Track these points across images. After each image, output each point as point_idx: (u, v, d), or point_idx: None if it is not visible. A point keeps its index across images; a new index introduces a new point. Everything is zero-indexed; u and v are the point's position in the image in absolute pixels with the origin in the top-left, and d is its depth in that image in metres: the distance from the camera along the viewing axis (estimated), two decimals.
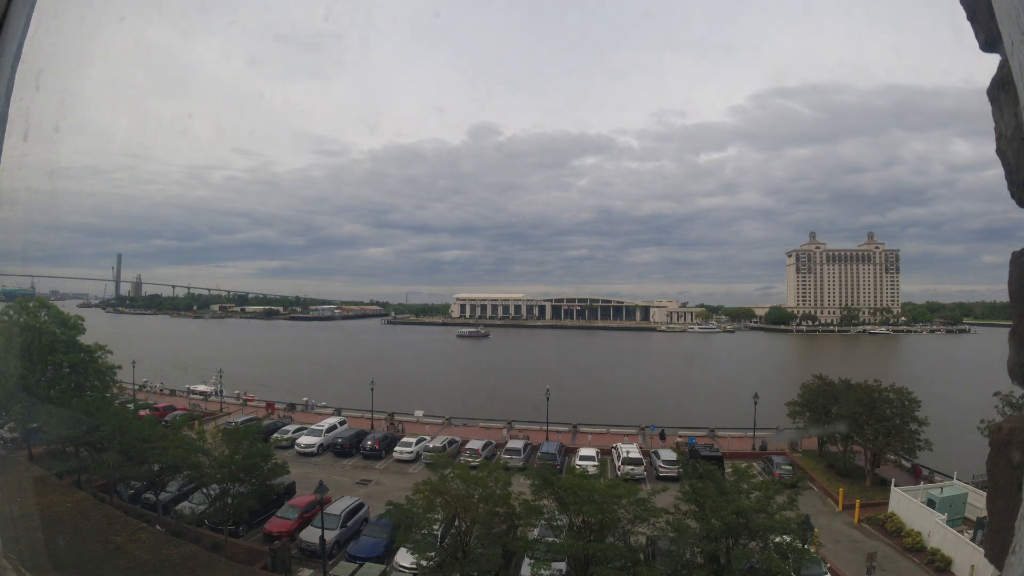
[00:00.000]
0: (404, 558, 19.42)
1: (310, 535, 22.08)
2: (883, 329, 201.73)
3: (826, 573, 19.32)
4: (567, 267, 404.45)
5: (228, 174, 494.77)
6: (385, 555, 21.24)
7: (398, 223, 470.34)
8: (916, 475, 31.23)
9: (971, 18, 1.19)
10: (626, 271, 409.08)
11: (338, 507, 24.10)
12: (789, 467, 32.40)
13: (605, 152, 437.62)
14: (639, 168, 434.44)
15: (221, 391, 50.63)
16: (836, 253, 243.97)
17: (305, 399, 50.01)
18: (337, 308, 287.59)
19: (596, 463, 26.96)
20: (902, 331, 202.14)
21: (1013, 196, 1.11)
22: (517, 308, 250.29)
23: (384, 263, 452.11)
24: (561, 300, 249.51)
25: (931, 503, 24.26)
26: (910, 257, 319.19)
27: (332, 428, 38.87)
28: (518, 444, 35.35)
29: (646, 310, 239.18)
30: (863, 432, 29.85)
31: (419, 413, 46.47)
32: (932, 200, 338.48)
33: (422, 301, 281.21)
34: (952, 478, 27.27)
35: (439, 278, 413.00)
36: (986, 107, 1.16)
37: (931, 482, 28.27)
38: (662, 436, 39.97)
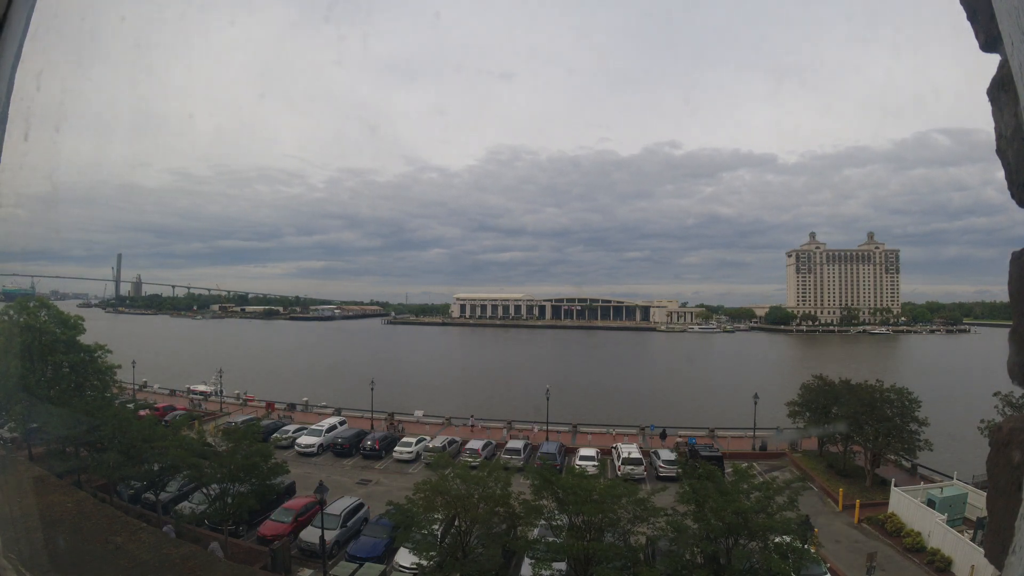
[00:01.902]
0: (404, 558, 19.40)
1: (310, 535, 22.07)
2: (883, 329, 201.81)
3: (826, 573, 19.30)
4: (613, 268, 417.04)
5: (370, 179, 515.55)
6: (385, 555, 21.22)
7: (495, 226, 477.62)
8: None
9: (971, 18, 1.19)
10: (661, 272, 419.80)
11: (338, 507, 24.07)
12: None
13: (761, 166, 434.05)
14: (772, 180, 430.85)
15: (221, 391, 50.62)
16: (836, 253, 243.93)
17: (305, 399, 50.01)
18: (337, 308, 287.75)
19: (596, 463, 26.96)
20: (902, 331, 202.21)
21: (1013, 196, 1.12)
22: (517, 308, 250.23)
23: (430, 263, 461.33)
24: (561, 300, 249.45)
25: (931, 503, 24.24)
26: (947, 260, 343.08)
27: (332, 428, 38.84)
28: (518, 444, 35.35)
29: (646, 310, 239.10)
30: (863, 432, 29.83)
31: (419, 413, 46.47)
32: (999, 211, 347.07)
33: (442, 301, 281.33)
34: (952, 478, 27.26)
35: (475, 278, 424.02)
36: None
37: (930, 482, 28.26)
38: (662, 436, 39.95)
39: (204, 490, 21.84)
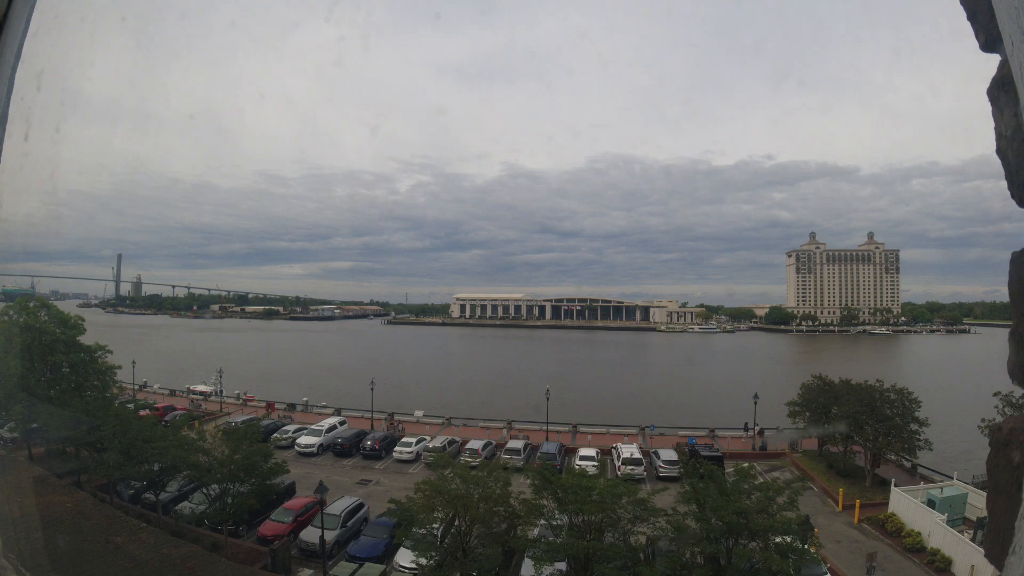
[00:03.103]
0: (404, 558, 19.41)
1: (310, 535, 22.07)
2: (883, 329, 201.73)
3: (826, 573, 19.30)
4: (641, 269, 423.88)
5: (459, 183, 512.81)
6: (385, 555, 21.22)
7: (555, 228, 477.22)
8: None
9: (971, 18, 1.19)
10: (690, 272, 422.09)
11: (338, 507, 24.06)
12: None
13: (842, 176, 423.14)
14: (843, 188, 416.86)
15: (221, 391, 50.63)
16: (836, 253, 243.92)
17: (305, 399, 50.01)
18: (337, 308, 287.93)
19: (596, 463, 26.92)
20: (902, 331, 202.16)
21: (1013, 196, 1.12)
22: (517, 308, 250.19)
23: (462, 263, 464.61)
24: (561, 300, 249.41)
25: (931, 503, 24.24)
26: (967, 262, 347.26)
27: (332, 428, 38.83)
28: (518, 444, 35.33)
29: (646, 310, 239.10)
30: (863, 432, 29.83)
31: (419, 413, 46.47)
32: None
33: (442, 301, 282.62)
34: (952, 478, 27.26)
35: (501, 277, 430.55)
36: None
37: (930, 482, 28.26)
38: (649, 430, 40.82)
39: (204, 490, 21.86)
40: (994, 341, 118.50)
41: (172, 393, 54.47)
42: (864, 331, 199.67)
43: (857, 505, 26.63)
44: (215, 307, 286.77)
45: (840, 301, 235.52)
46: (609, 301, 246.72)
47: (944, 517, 22.83)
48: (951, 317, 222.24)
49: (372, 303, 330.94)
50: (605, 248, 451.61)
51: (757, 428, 40.15)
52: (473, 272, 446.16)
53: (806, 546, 16.24)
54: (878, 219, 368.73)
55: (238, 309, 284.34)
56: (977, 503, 24.17)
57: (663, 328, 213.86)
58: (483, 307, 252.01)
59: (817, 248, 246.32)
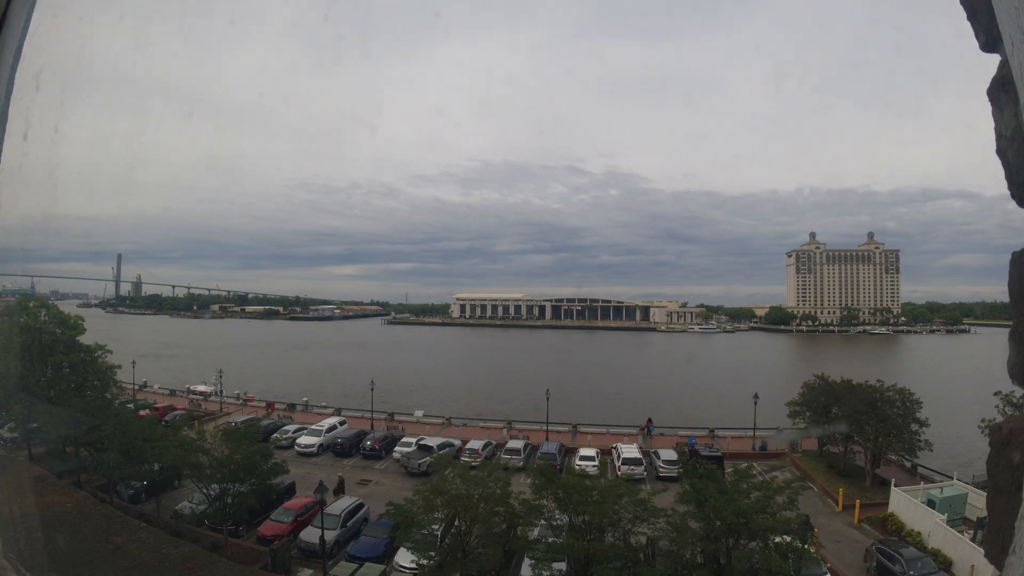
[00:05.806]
0: (404, 558, 19.40)
1: (310, 535, 22.07)
2: (883, 329, 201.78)
3: (826, 573, 19.30)
4: (704, 269, 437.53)
5: (642, 197, 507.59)
6: (385, 555, 21.22)
7: (677, 234, 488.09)
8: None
9: (971, 18, 1.19)
10: (736, 274, 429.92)
11: (338, 507, 24.09)
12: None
13: (967, 198, 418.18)
14: (955, 205, 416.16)
15: (221, 391, 50.63)
16: (836, 253, 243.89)
17: (305, 399, 50.02)
18: (337, 308, 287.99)
19: (596, 463, 26.94)
20: (902, 331, 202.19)
21: (1013, 196, 1.12)
22: (517, 308, 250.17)
23: (533, 264, 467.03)
24: (561, 300, 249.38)
25: (931, 503, 24.24)
26: (1001, 265, 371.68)
27: (332, 428, 38.82)
28: (518, 444, 35.32)
29: (646, 310, 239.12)
30: (863, 432, 29.82)
31: (419, 413, 46.48)
32: None
33: (442, 301, 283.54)
34: (952, 478, 27.26)
35: (566, 277, 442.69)
36: None
37: (930, 482, 28.26)
38: (648, 431, 41.03)
39: (204, 490, 21.85)
40: (994, 341, 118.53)
41: (172, 393, 54.48)
42: (864, 331, 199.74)
43: (857, 505, 26.62)
44: (215, 307, 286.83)
45: (840, 301, 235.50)
46: (609, 301, 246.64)
47: (944, 517, 22.83)
48: (951, 317, 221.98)
49: (372, 303, 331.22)
50: (688, 251, 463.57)
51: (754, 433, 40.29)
52: (534, 273, 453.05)
53: (806, 546, 16.23)
54: (961, 230, 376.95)
55: (238, 309, 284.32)
56: (977, 503, 24.17)
57: (663, 328, 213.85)
58: (483, 307, 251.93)
59: (817, 248, 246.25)
